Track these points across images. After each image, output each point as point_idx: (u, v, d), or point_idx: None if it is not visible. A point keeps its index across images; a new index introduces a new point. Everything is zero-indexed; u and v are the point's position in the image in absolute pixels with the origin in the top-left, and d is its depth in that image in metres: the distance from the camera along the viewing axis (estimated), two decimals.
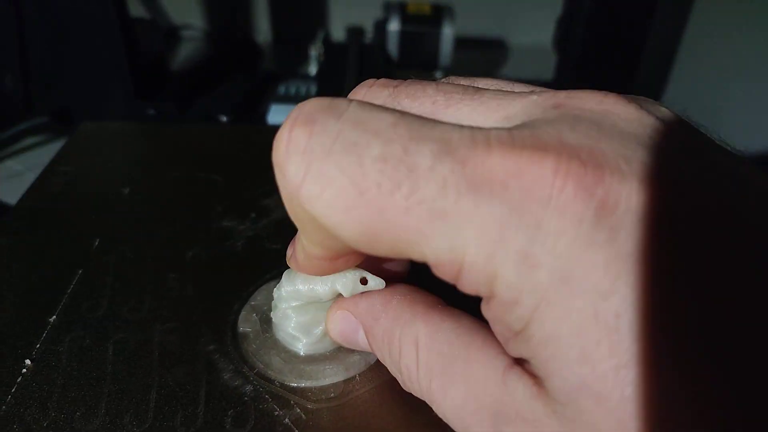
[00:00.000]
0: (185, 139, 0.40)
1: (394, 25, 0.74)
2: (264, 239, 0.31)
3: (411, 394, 0.21)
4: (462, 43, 0.79)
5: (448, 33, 0.74)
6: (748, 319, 0.13)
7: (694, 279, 0.13)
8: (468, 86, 0.18)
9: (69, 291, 0.27)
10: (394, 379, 0.23)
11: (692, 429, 0.13)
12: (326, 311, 0.23)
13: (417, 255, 0.16)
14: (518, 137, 0.15)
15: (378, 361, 0.23)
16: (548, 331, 0.14)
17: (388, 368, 0.21)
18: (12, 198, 0.64)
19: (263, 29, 0.94)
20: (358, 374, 0.23)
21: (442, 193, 0.14)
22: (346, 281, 0.21)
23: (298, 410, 0.22)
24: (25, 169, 0.71)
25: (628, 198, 0.14)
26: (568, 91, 0.17)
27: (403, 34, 0.74)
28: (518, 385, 0.16)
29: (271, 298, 0.25)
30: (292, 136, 0.16)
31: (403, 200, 0.15)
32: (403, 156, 0.15)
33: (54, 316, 0.26)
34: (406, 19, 0.74)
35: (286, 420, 0.22)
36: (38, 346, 0.24)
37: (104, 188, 0.35)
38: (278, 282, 0.24)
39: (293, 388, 0.23)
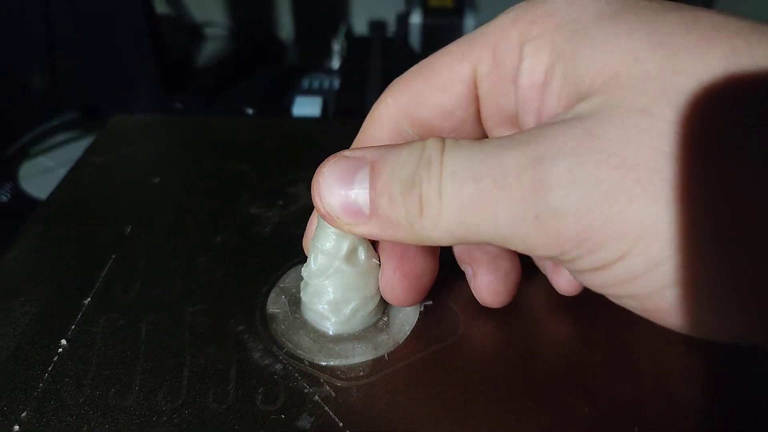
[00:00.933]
0: (212, 131, 0.41)
1: (416, 18, 0.74)
2: (291, 225, 0.31)
3: (438, 374, 0.21)
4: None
5: (470, 25, 0.74)
6: None
7: None
8: None
9: (103, 275, 0.28)
10: (423, 359, 0.23)
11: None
12: (356, 289, 0.23)
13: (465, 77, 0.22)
14: None
15: (406, 340, 0.24)
16: (574, 47, 0.18)
17: (390, 221, 0.19)
18: (43, 193, 0.66)
19: (286, 25, 0.95)
20: (387, 353, 0.24)
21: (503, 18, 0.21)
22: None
23: (328, 388, 0.22)
24: (57, 166, 0.72)
25: None
26: None
27: (425, 27, 0.74)
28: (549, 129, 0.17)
29: (300, 281, 0.25)
30: None
31: None
32: None
33: (88, 299, 0.26)
34: (428, 11, 0.74)
35: (316, 397, 0.22)
36: (73, 327, 0.25)
37: (135, 178, 0.35)
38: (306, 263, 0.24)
39: (322, 366, 0.23)
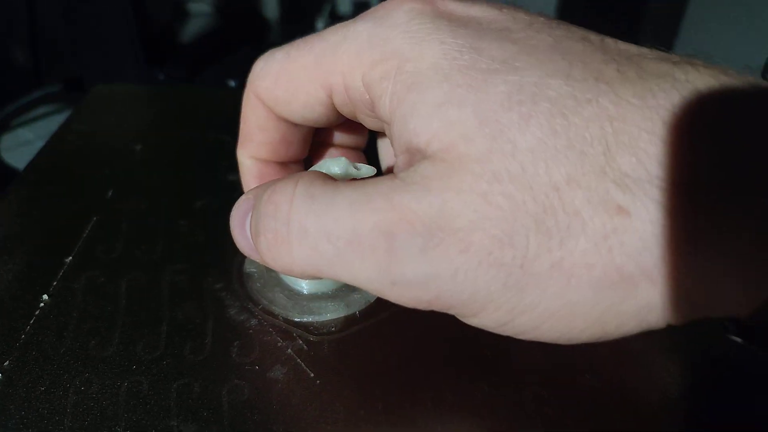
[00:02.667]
0: (195, 102, 0.41)
1: None
2: None
3: (406, 331, 0.22)
4: None
5: None
6: None
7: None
8: None
9: (85, 235, 0.28)
10: (393, 316, 0.24)
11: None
12: None
13: (321, 96, 0.21)
14: None
15: (377, 299, 0.25)
16: (412, 78, 0.18)
17: (260, 251, 0.20)
18: (23, 164, 0.66)
19: (270, 3, 0.95)
20: (358, 311, 0.25)
21: (334, 33, 0.21)
22: (340, 167, 0.22)
23: (301, 342, 0.23)
24: (36, 138, 0.72)
25: (463, 10, 0.19)
26: None
27: None
28: (404, 173, 0.18)
29: None
30: None
31: None
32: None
33: (70, 257, 0.27)
34: None
35: (289, 350, 0.23)
36: (55, 283, 0.26)
37: (117, 145, 0.36)
38: None
39: (296, 322, 0.24)
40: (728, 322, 0.17)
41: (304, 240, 0.18)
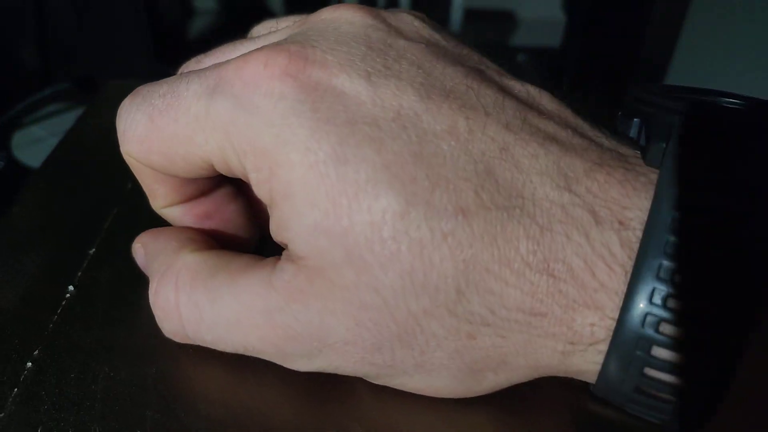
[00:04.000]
0: None
1: None
2: None
3: None
4: (472, 14, 0.80)
5: (458, 3, 0.75)
6: None
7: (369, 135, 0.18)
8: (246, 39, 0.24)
9: (106, 227, 0.29)
10: None
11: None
12: None
13: (201, 162, 0.21)
14: (254, 51, 0.19)
15: None
16: (284, 188, 0.18)
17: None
18: (36, 162, 0.66)
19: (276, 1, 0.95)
20: None
21: (196, 103, 0.19)
22: None
23: None
24: (48, 135, 0.73)
25: (328, 80, 0.18)
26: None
27: (414, 5, 0.75)
28: (282, 275, 0.19)
29: None
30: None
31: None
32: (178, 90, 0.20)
33: (93, 249, 0.28)
34: None
35: None
36: (80, 274, 0.26)
37: None
38: None
39: None
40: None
41: (189, 330, 0.21)
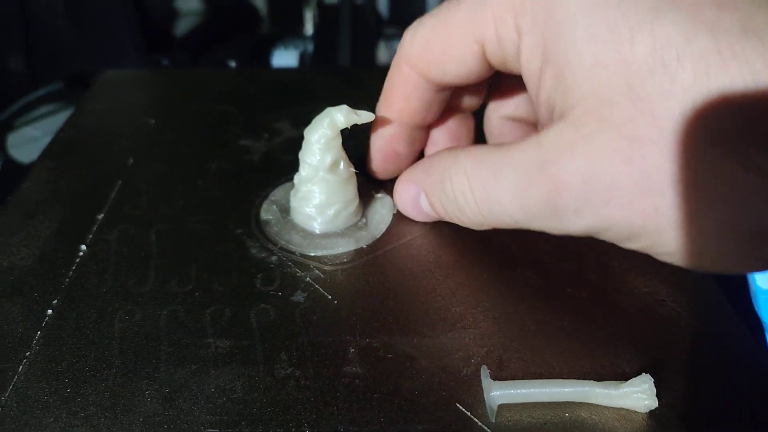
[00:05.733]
0: (200, 81, 0.44)
1: None
2: (278, 153, 0.35)
3: (409, 259, 0.25)
4: None
5: None
6: None
7: None
8: None
9: (112, 196, 0.31)
10: (398, 248, 0.27)
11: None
12: (337, 194, 0.27)
13: (475, 51, 0.23)
14: None
15: (383, 235, 0.28)
16: (560, 29, 0.19)
17: (449, 217, 0.25)
18: (29, 161, 0.68)
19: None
20: (366, 245, 0.27)
21: None
22: (342, 113, 0.26)
23: (317, 271, 0.26)
24: (43, 134, 0.75)
25: None
26: None
27: None
28: (549, 133, 0.20)
29: (287, 195, 0.29)
30: None
31: None
32: None
33: (101, 214, 0.30)
34: None
35: (308, 278, 0.26)
36: (90, 236, 0.28)
37: (132, 120, 0.38)
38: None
39: (311, 256, 0.27)
40: None
41: (484, 211, 0.23)
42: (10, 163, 0.68)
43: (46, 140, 0.71)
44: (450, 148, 0.25)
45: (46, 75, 0.75)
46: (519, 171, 0.21)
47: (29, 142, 0.72)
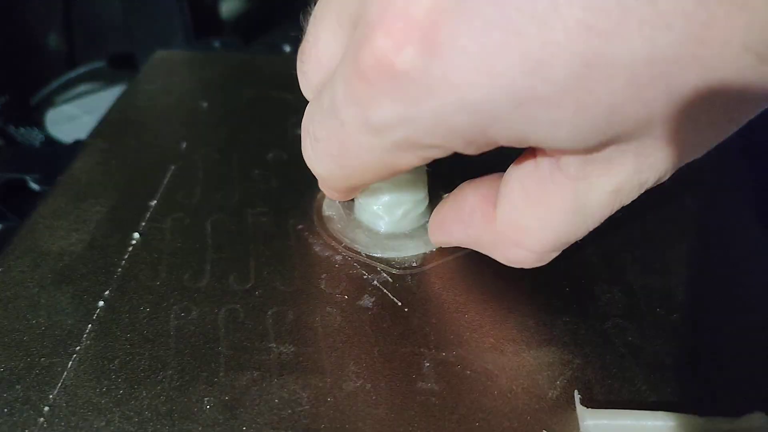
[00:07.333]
0: (253, 65, 0.42)
1: None
2: None
3: (482, 266, 0.23)
4: None
5: None
6: None
7: None
8: None
9: (165, 182, 0.29)
10: (466, 254, 0.25)
11: None
12: (407, 192, 0.25)
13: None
14: None
15: None
16: None
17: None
18: (69, 139, 0.67)
19: None
20: (436, 249, 0.26)
21: None
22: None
23: (385, 275, 0.24)
24: (82, 113, 0.74)
25: None
26: None
27: None
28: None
29: None
30: None
31: None
32: None
33: (154, 201, 0.28)
34: None
35: (375, 282, 0.24)
36: (143, 224, 0.27)
37: (184, 102, 0.37)
38: None
39: (378, 258, 0.25)
40: None
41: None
42: (50, 140, 0.67)
43: (86, 119, 0.70)
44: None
45: (87, 54, 0.74)
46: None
47: (69, 120, 0.71)
